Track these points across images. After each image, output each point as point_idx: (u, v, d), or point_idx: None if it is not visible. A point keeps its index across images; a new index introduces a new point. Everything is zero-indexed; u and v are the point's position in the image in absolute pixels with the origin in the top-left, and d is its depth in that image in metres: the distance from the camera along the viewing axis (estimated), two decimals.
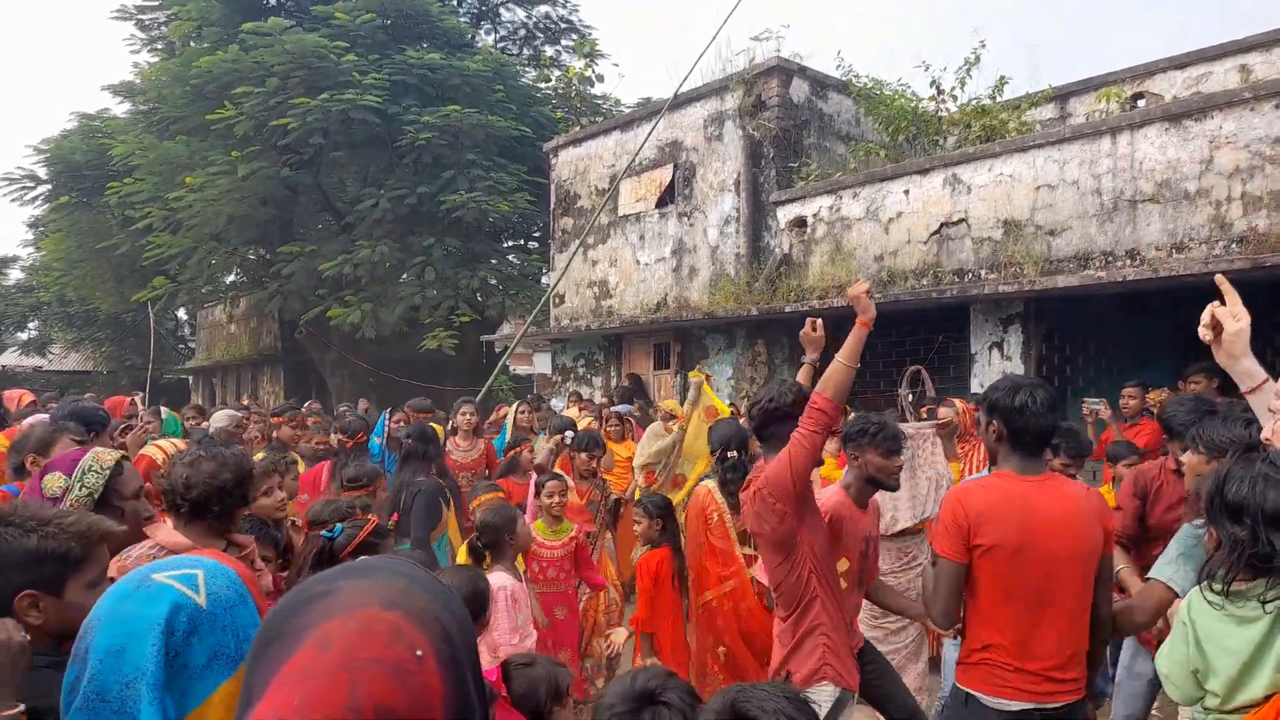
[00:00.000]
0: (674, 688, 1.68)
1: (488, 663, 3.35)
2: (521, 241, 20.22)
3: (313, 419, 8.06)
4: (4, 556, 1.68)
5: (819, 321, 3.41)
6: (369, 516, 3.08)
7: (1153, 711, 4.21)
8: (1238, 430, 2.65)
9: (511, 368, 20.24)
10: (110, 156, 17.37)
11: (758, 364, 11.32)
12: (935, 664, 5.06)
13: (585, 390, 13.27)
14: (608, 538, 5.30)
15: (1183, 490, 3.45)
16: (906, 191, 9.59)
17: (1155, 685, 3.84)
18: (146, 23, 19.83)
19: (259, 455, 5.59)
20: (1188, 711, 1.90)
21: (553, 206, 14.67)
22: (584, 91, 19.28)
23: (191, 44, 17.76)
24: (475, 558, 3.67)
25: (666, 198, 12.52)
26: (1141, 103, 10.49)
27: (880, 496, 4.64)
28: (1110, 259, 7.98)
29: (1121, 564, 3.39)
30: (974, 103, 10.84)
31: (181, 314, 28.99)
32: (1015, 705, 2.51)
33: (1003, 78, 10.93)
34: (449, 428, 6.76)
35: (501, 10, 21.49)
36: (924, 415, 6.59)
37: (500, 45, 21.29)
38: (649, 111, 12.90)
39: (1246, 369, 1.96)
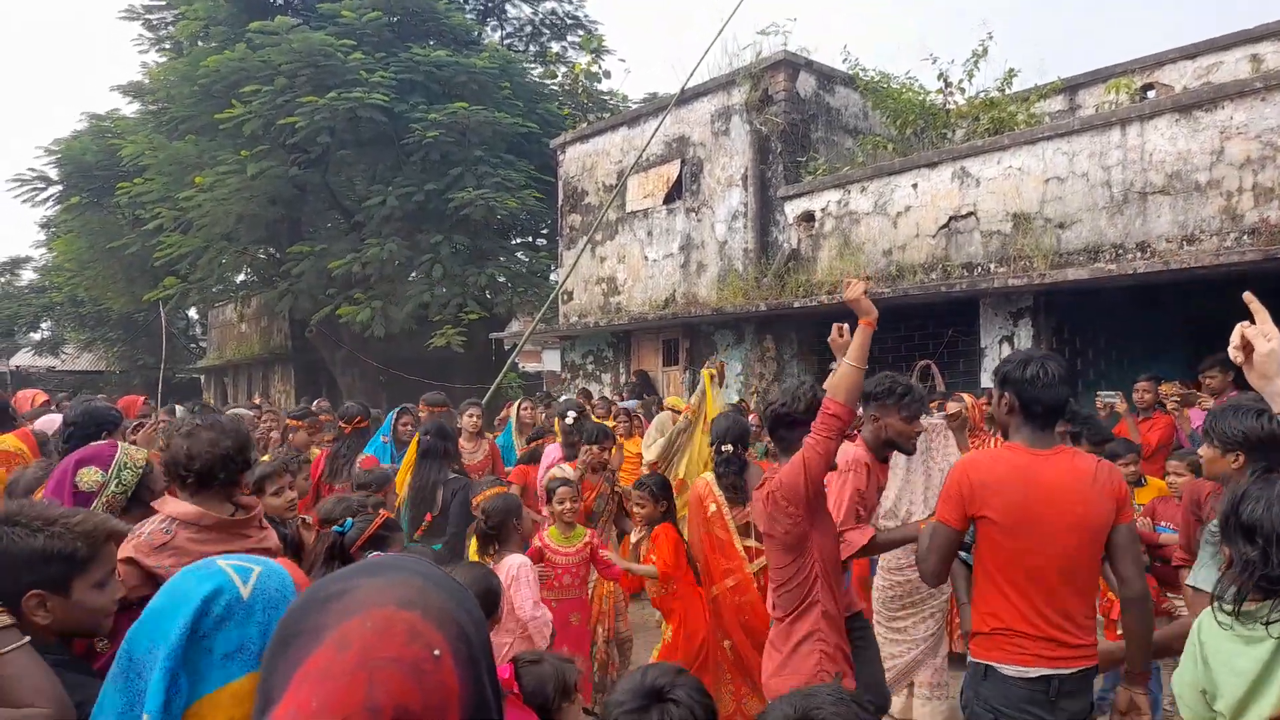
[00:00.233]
0: (683, 685, 1.68)
1: (517, 642, 3.42)
2: (529, 238, 20.23)
3: (323, 416, 8.10)
4: (11, 556, 1.68)
5: (845, 327, 3.37)
6: (380, 511, 3.10)
7: None
8: (1249, 422, 2.64)
9: (520, 365, 20.29)
10: (120, 157, 17.44)
11: (766, 359, 11.31)
12: (958, 660, 5.04)
13: (594, 387, 13.28)
14: (612, 532, 5.30)
15: None
16: (915, 185, 9.56)
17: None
18: (154, 22, 19.90)
19: (265, 457, 5.62)
20: None
21: (560, 203, 14.68)
22: (590, 88, 19.27)
23: (199, 43, 17.80)
24: (484, 544, 3.69)
25: (674, 193, 12.51)
26: (1151, 94, 10.42)
27: (894, 489, 4.66)
28: (1120, 251, 7.94)
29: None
30: (982, 95, 10.78)
31: (193, 313, 29.11)
32: (1032, 671, 2.53)
33: (1011, 70, 10.90)
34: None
35: (508, 6, 21.49)
36: (933, 410, 6.57)
37: (507, 42, 21.29)
38: (656, 107, 12.89)
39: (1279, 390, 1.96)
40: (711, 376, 6.28)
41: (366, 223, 16.17)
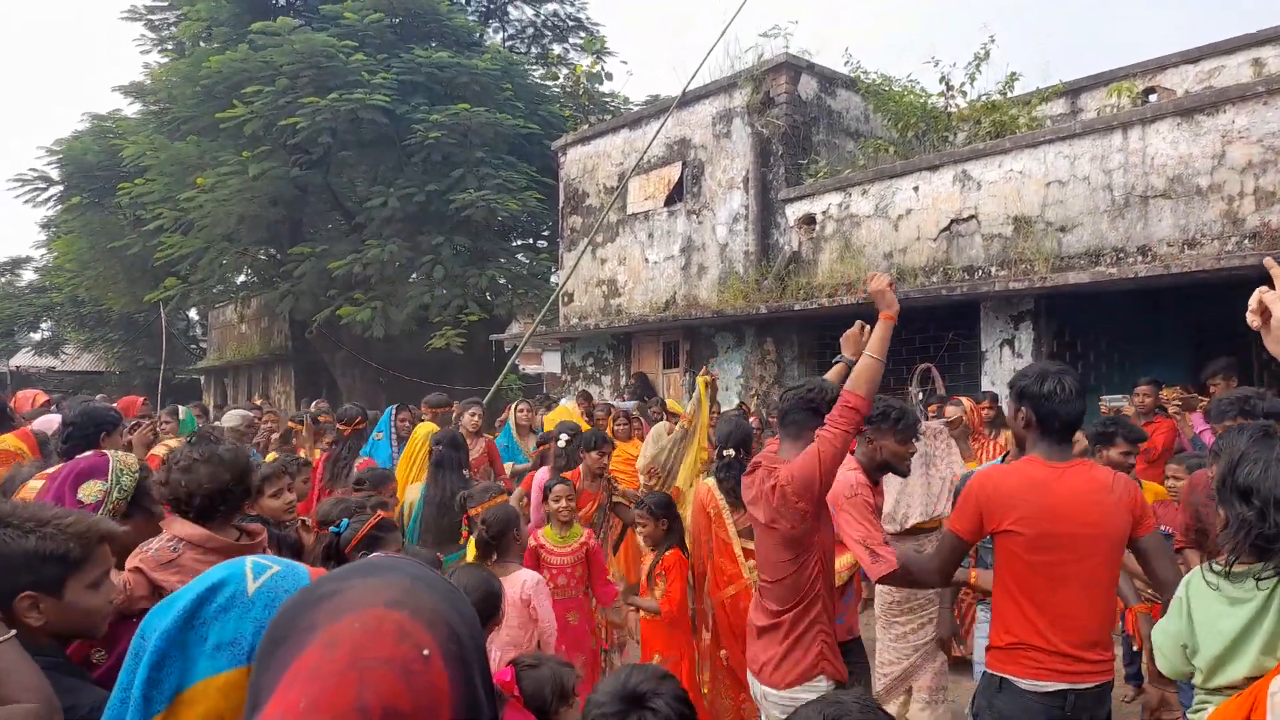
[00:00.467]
0: (665, 693, 1.66)
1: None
2: (530, 240, 20.24)
3: (323, 417, 8.09)
4: (3, 558, 1.67)
5: (867, 326, 3.40)
6: (376, 512, 3.10)
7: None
8: (1239, 393, 2.69)
9: (521, 367, 20.29)
10: (121, 157, 17.47)
11: (767, 362, 11.31)
12: (959, 665, 5.03)
13: (594, 389, 13.28)
14: (610, 539, 5.30)
15: None
16: (916, 188, 9.55)
17: None
18: (156, 23, 19.93)
19: (271, 456, 5.62)
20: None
21: (561, 205, 14.68)
22: (592, 89, 19.29)
23: (201, 44, 17.83)
24: (484, 552, 3.68)
25: (675, 196, 12.51)
26: (1153, 97, 10.42)
27: (893, 493, 4.66)
28: (1122, 255, 7.93)
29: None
30: (984, 98, 10.79)
31: (193, 314, 29.14)
32: (1049, 686, 2.52)
33: (1013, 73, 10.90)
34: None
35: (510, 8, 21.53)
36: (932, 413, 6.57)
37: (508, 43, 21.31)
38: (657, 109, 12.89)
39: None
40: (707, 384, 6.26)
41: (367, 224, 16.18)
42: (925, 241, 9.46)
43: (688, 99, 11.64)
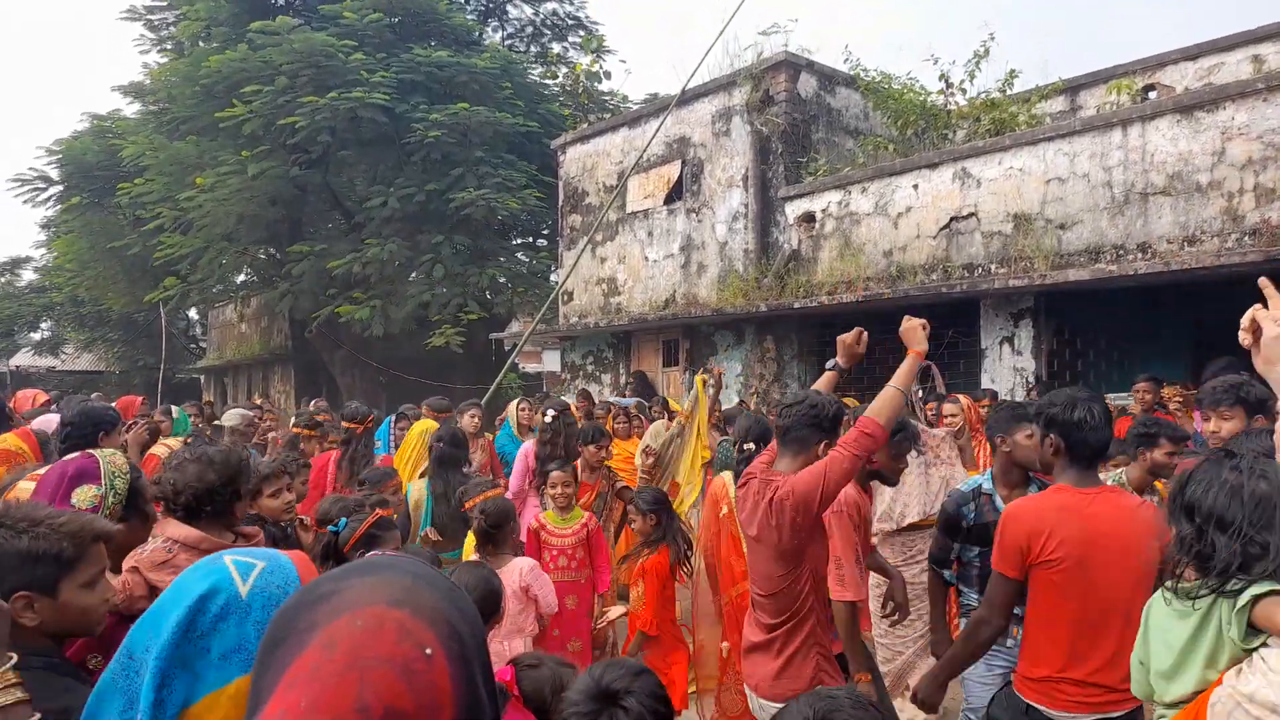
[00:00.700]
0: (638, 691, 1.64)
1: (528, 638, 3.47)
2: (530, 239, 20.23)
3: (321, 415, 8.08)
4: None
5: (865, 334, 3.40)
6: (375, 510, 3.10)
7: None
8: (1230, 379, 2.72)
9: (520, 365, 20.29)
10: (121, 157, 17.46)
11: (766, 360, 11.30)
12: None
13: (594, 388, 13.27)
14: (610, 530, 5.30)
15: None
16: (916, 186, 9.55)
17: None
18: (155, 23, 19.92)
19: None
20: None
21: (561, 203, 14.68)
22: (591, 88, 19.27)
23: (200, 44, 17.81)
24: (483, 542, 3.70)
25: (674, 194, 12.50)
26: (1153, 94, 10.41)
27: (890, 490, 4.66)
28: (1121, 252, 7.93)
29: None
30: (983, 96, 10.78)
31: (193, 314, 29.12)
32: (1082, 718, 2.55)
33: (1012, 71, 10.89)
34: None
35: (509, 7, 21.50)
36: (930, 411, 6.57)
37: (508, 42, 21.30)
38: (657, 108, 12.89)
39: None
40: (705, 382, 6.26)
41: (367, 223, 16.17)
42: (925, 239, 9.45)
43: (687, 97, 11.63)
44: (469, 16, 19.44)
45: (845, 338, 3.39)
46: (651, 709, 1.63)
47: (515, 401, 7.57)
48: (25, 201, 21.18)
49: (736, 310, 10.94)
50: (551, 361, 17.19)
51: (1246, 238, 7.19)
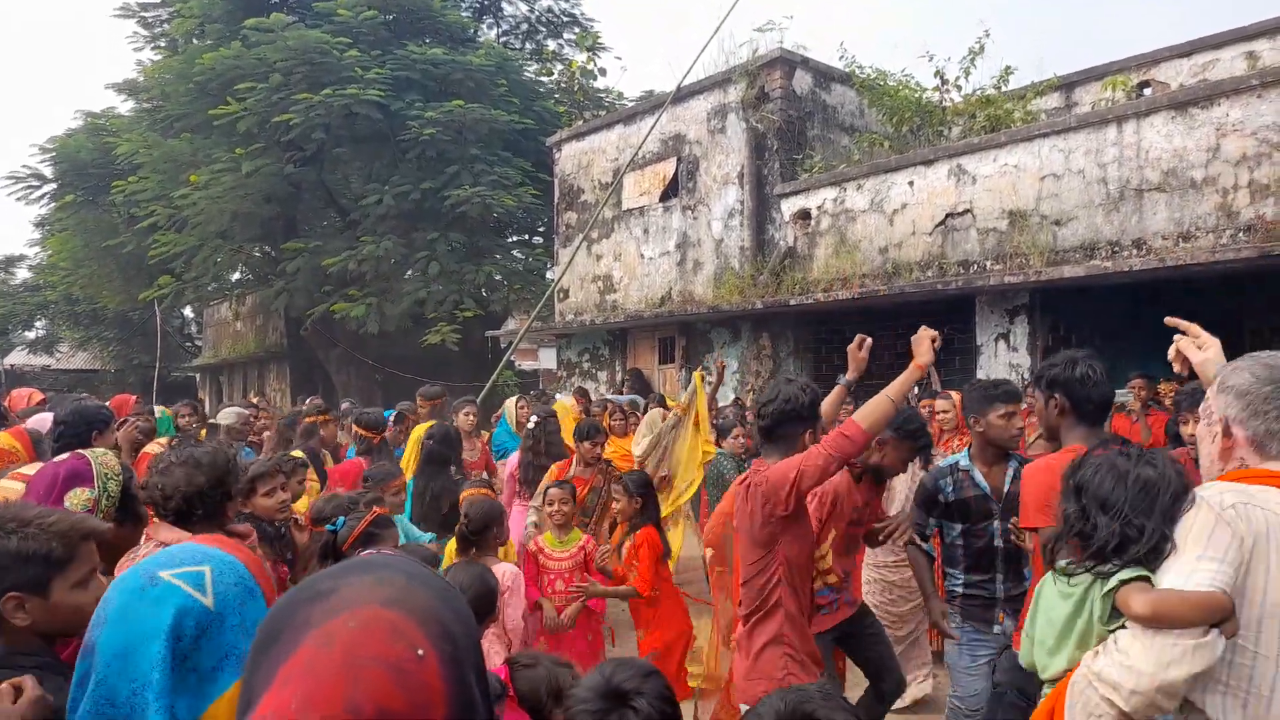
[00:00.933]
0: (648, 692, 1.62)
1: (500, 652, 3.40)
2: (526, 236, 20.21)
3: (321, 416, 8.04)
4: None
5: (869, 341, 3.33)
6: (372, 508, 3.09)
7: None
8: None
9: (516, 363, 20.26)
10: (115, 155, 17.41)
11: (762, 357, 11.31)
12: (938, 657, 5.06)
13: (590, 385, 13.27)
14: (606, 525, 5.26)
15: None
16: (911, 183, 9.55)
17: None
18: (149, 20, 19.86)
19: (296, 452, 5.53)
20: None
21: (556, 201, 14.66)
22: (587, 85, 19.24)
23: (194, 41, 17.77)
24: (463, 546, 3.69)
25: (670, 191, 12.49)
26: (1147, 91, 10.42)
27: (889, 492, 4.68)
28: (1116, 249, 7.94)
29: None
30: (979, 93, 10.78)
31: (188, 312, 29.07)
32: None
33: (1007, 67, 10.89)
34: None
35: (504, 4, 21.46)
36: (924, 408, 6.59)
37: (503, 39, 21.26)
38: (652, 105, 12.87)
39: None
40: (703, 376, 6.26)
41: (362, 221, 16.15)
42: (920, 236, 9.46)
43: (682, 94, 11.61)
44: (464, 13, 19.41)
45: (850, 347, 3.31)
46: (660, 711, 1.62)
47: (514, 399, 7.57)
48: (19, 199, 21.13)
49: (732, 307, 10.94)
50: (547, 359, 17.18)
51: (1241, 234, 7.20)
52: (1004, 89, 10.85)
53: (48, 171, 20.56)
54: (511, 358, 14.04)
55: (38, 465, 3.02)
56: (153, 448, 4.17)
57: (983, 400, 3.54)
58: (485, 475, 6.16)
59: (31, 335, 31.13)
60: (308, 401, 10.84)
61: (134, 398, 7.18)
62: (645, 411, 8.05)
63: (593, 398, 10.12)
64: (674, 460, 5.94)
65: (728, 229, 11.59)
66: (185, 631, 1.32)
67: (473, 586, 2.66)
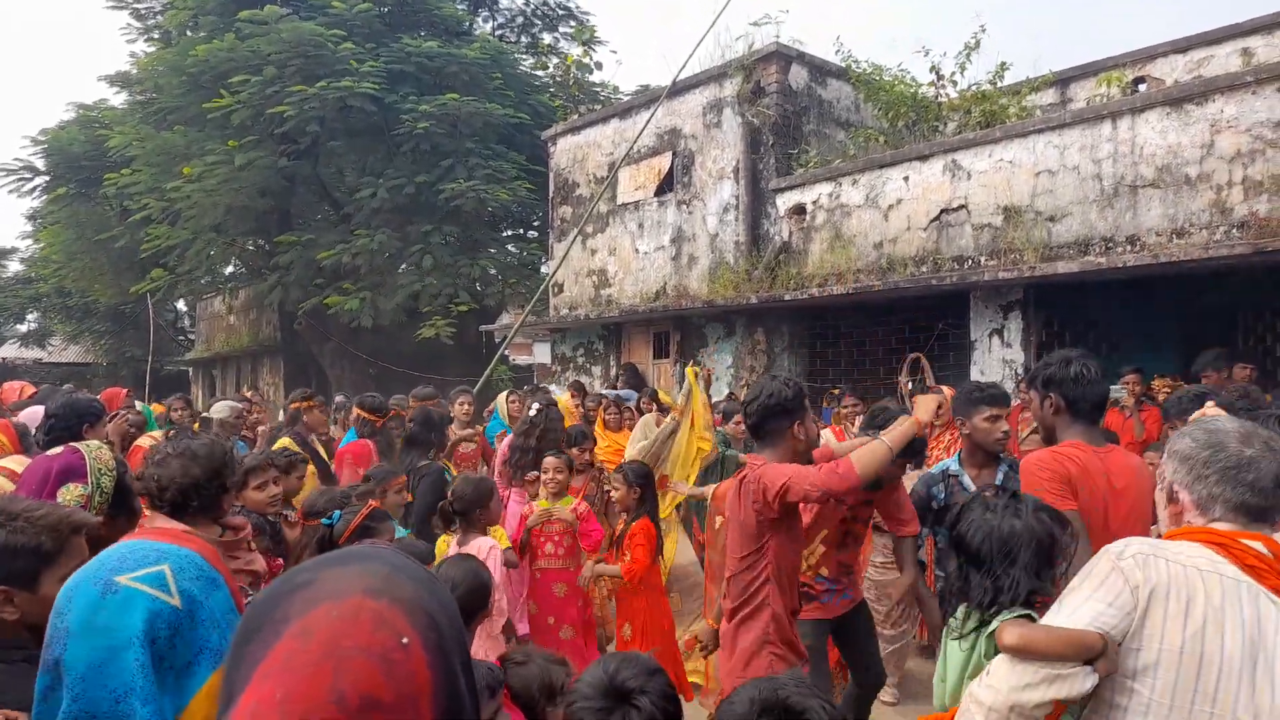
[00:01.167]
0: (652, 690, 1.60)
1: (492, 642, 3.41)
2: (521, 230, 20.18)
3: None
4: None
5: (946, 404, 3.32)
6: (367, 502, 3.08)
7: None
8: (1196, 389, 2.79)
9: (511, 357, 20.23)
10: (108, 147, 17.32)
11: (757, 352, 11.31)
12: (929, 652, 5.08)
13: (585, 379, 13.25)
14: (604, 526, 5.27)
15: None
16: (906, 178, 9.55)
17: None
18: (142, 12, 19.75)
19: (283, 442, 5.50)
20: None
21: (551, 195, 14.63)
22: (582, 79, 19.21)
23: (188, 33, 17.66)
24: (445, 522, 3.69)
25: (665, 185, 12.48)
26: (1142, 87, 10.43)
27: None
28: (1111, 245, 7.95)
29: None
30: (974, 88, 10.77)
31: (181, 305, 28.98)
32: None
33: (1003, 63, 10.88)
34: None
35: None
36: (915, 404, 6.58)
37: (498, 33, 21.19)
38: (647, 99, 12.84)
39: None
40: (698, 375, 6.23)
41: (356, 214, 16.10)
42: (915, 231, 9.46)
43: (678, 88, 11.59)
44: (459, 6, 19.33)
45: (926, 409, 3.10)
46: (664, 710, 1.59)
47: (504, 394, 7.58)
48: (11, 192, 21.04)
49: (727, 302, 10.93)
50: (542, 353, 17.15)
51: (1235, 230, 7.21)
52: (999, 85, 10.85)
53: (40, 164, 20.46)
54: (506, 352, 14.01)
55: (19, 458, 2.99)
56: (145, 441, 4.15)
57: (968, 403, 3.55)
58: (484, 469, 6.16)
59: (23, 329, 31.03)
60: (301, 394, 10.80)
61: (124, 391, 7.15)
62: (637, 407, 8.04)
63: (588, 392, 10.11)
64: (670, 460, 5.91)
65: (723, 223, 11.58)
66: (159, 634, 1.31)
67: (465, 581, 2.64)
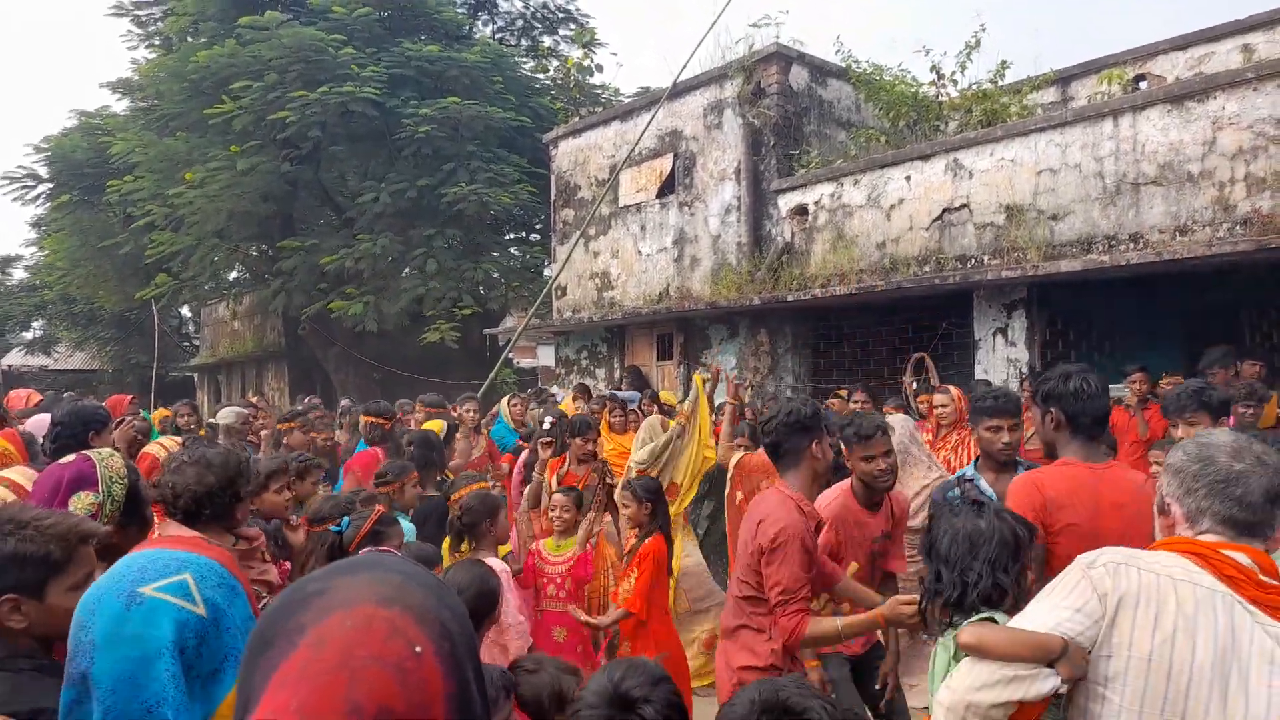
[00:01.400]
0: (657, 700, 1.58)
1: (498, 650, 3.39)
2: (523, 233, 20.19)
3: (313, 413, 8.05)
4: None
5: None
6: (374, 507, 3.09)
7: None
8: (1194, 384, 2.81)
9: (515, 360, 20.26)
10: (110, 154, 17.36)
11: (760, 353, 11.30)
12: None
13: (589, 382, 13.26)
14: (607, 520, 5.20)
15: None
16: (908, 178, 9.55)
17: None
18: (143, 19, 19.81)
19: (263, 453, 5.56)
20: None
21: (553, 198, 14.64)
22: (583, 81, 19.21)
23: (188, 39, 17.72)
24: (456, 540, 3.68)
25: (667, 187, 12.48)
26: (1143, 84, 10.42)
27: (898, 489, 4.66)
28: (1113, 243, 7.94)
29: None
30: (975, 87, 10.77)
31: (185, 311, 29.02)
32: None
33: (1004, 61, 10.87)
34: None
35: (499, 1, 21.42)
36: (923, 404, 6.58)
37: (498, 36, 21.21)
38: (648, 101, 12.84)
39: None
40: (704, 380, 6.21)
41: (359, 219, 16.12)
42: (918, 231, 9.46)
43: (678, 90, 11.60)
44: (459, 10, 19.37)
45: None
46: (668, 718, 1.57)
47: (507, 398, 7.60)
48: (15, 200, 21.08)
49: (730, 304, 10.93)
50: (546, 356, 17.18)
51: (1238, 227, 7.20)
52: (1000, 83, 10.84)
53: (43, 171, 20.50)
54: (510, 355, 14.03)
55: (24, 469, 2.99)
56: (154, 448, 4.16)
57: (973, 412, 3.58)
58: (475, 473, 6.15)
59: (29, 336, 31.09)
60: (305, 400, 10.84)
61: (129, 398, 7.18)
62: (640, 409, 8.03)
63: (593, 394, 10.11)
64: (677, 467, 5.87)
65: (725, 225, 11.58)
66: (187, 643, 1.32)
67: (472, 586, 2.64)
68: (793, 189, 10.82)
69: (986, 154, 8.88)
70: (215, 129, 15.65)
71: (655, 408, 7.70)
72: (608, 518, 5.14)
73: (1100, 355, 9.49)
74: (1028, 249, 8.40)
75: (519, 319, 16.17)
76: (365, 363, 17.78)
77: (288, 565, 3.26)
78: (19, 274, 30.48)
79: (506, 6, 21.55)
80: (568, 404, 8.79)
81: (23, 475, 2.98)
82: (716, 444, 6.00)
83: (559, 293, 14.13)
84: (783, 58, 11.19)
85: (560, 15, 21.44)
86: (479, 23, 21.02)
